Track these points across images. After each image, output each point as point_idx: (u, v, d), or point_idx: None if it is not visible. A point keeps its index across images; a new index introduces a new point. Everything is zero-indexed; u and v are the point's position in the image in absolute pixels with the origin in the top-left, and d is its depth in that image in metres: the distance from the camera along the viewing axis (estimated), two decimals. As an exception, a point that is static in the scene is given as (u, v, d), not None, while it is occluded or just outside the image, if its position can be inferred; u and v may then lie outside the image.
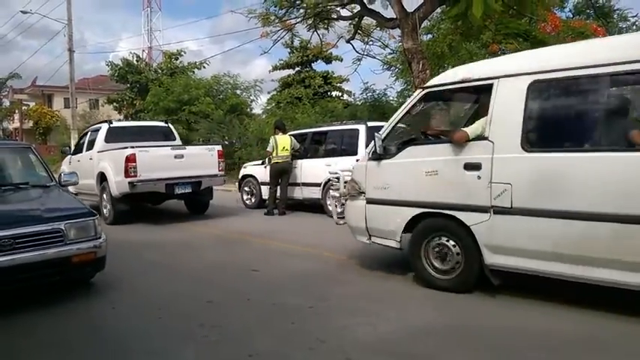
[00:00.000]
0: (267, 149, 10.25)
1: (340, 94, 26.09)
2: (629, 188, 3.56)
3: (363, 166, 5.26)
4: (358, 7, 13.62)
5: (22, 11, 25.12)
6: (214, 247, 7.13)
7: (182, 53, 26.99)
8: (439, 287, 4.69)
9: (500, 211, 4.20)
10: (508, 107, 4.24)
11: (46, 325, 4.19)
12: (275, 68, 26.24)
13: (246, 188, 11.67)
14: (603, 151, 3.83)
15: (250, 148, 17.77)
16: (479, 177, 4.31)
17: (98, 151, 9.88)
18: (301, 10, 14.50)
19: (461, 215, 4.45)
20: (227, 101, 22.48)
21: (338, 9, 14.65)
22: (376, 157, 5.07)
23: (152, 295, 4.98)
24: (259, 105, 26.29)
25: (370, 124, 9.68)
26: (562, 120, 4.31)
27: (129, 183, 8.68)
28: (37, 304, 4.66)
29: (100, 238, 4.89)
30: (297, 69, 25.74)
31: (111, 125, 10.40)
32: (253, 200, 11.41)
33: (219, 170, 9.78)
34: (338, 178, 5.63)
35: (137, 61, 27.25)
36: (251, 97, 24.65)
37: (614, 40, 4.29)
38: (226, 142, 19.35)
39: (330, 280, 5.33)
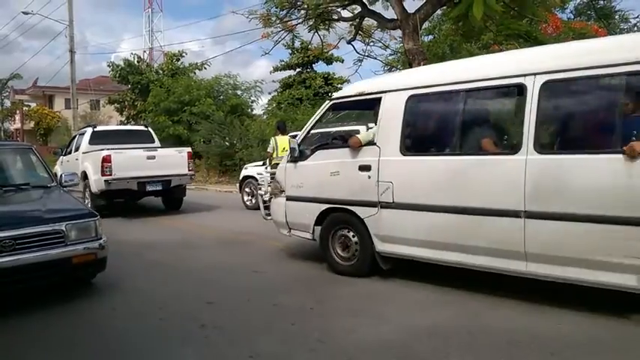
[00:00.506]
0: (268, 150, 10.26)
1: (341, 95, 26.05)
2: (481, 185, 4.35)
3: (284, 167, 5.97)
4: (359, 8, 13.60)
5: (23, 12, 25.20)
6: (215, 248, 7.13)
7: (183, 54, 27.01)
8: (342, 272, 5.41)
9: (385, 205, 4.95)
10: (391, 117, 4.99)
11: (47, 326, 4.19)
12: (276, 69, 26.23)
13: (247, 189, 11.67)
14: (462, 155, 4.57)
15: (251, 149, 17.76)
16: (369, 177, 5.04)
17: (82, 153, 10.85)
18: (302, 11, 14.48)
19: (357, 210, 5.19)
20: (228, 102, 22.49)
21: (339, 10, 14.63)
22: (293, 159, 5.79)
23: (153, 296, 4.98)
24: (260, 106, 26.35)
25: (371, 125, 9.67)
26: (430, 129, 5.16)
27: (105, 181, 9.64)
28: (38, 304, 4.66)
29: (100, 239, 4.89)
30: (297, 70, 25.72)
31: (95, 129, 11.56)
32: (254, 201, 11.41)
33: (189, 170, 10.71)
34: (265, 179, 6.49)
35: (138, 62, 27.26)
36: (252, 98, 24.66)
37: (468, 61, 5.30)
38: (227, 143, 19.34)
39: (331, 280, 5.33)
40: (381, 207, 4.97)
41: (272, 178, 6.55)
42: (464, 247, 4.48)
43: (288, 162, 5.90)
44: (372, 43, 17.32)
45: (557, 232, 3.93)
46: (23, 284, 4.56)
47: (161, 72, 26.15)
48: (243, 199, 11.77)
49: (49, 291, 4.96)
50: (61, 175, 6.02)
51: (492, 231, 4.27)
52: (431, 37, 16.38)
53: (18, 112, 42.32)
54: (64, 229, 4.61)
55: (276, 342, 3.74)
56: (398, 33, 13.67)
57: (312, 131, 6.03)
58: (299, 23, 15.32)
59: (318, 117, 5.86)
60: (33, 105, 41.71)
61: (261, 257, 6.42)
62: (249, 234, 8.05)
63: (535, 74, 4.08)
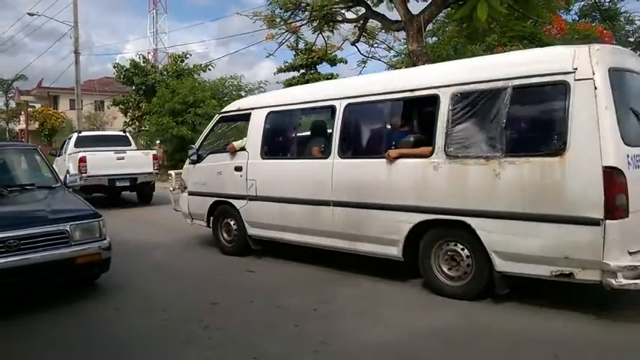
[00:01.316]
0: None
1: (345, 96, 26.06)
2: (309, 182, 5.61)
3: (186, 168, 7.31)
4: (363, 10, 13.60)
5: (28, 13, 25.36)
6: (217, 250, 7.12)
7: (187, 56, 27.06)
8: (227, 253, 6.69)
9: (251, 198, 6.23)
10: (256, 128, 6.29)
11: (51, 326, 4.20)
12: (280, 70, 26.29)
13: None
14: (299, 159, 5.93)
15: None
16: (241, 175, 6.31)
17: (68, 154, 12.70)
18: (306, 13, 14.49)
19: (234, 202, 6.45)
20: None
21: (343, 11, 14.63)
22: (192, 161, 7.07)
23: (156, 297, 4.99)
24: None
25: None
26: (280, 138, 6.47)
27: (80, 178, 10.73)
28: (42, 304, 4.68)
29: (105, 239, 4.90)
30: (301, 71, 25.77)
31: (79, 134, 13.67)
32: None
33: (154, 169, 12.49)
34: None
35: (144, 63, 27.33)
36: (256, 100, 24.65)
37: (303, 88, 7.12)
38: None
39: (334, 282, 5.33)
40: (249, 199, 6.26)
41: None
42: (301, 229, 5.75)
43: (189, 164, 7.19)
44: (376, 45, 17.29)
45: (350, 216, 5.24)
46: (28, 284, 4.58)
47: (165, 73, 26.20)
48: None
49: (53, 291, 4.97)
50: (65, 176, 6.04)
51: (316, 216, 5.55)
52: (435, 38, 16.34)
53: (23, 112, 42.46)
54: (68, 229, 4.62)
55: (280, 343, 3.74)
56: (402, 34, 13.66)
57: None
58: (303, 24, 15.32)
59: (210, 128, 7.25)
60: (37, 106, 41.81)
61: (265, 259, 6.41)
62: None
63: (341, 99, 5.47)
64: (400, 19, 11.97)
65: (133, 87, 26.56)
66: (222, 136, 7.67)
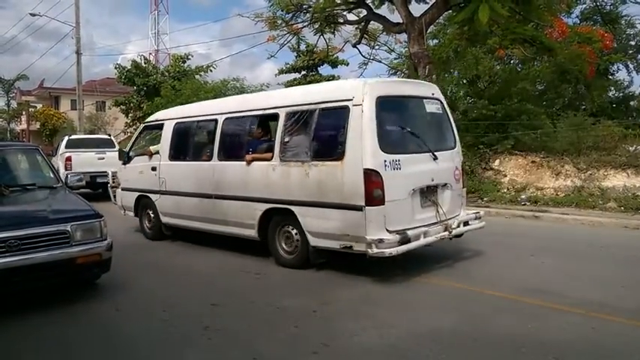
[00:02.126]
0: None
1: (346, 97, 26.03)
2: (199, 179, 6.99)
3: (119, 168, 8.74)
4: (365, 12, 13.65)
5: (30, 14, 25.35)
6: (219, 250, 7.13)
7: (189, 57, 27.06)
8: (148, 237, 8.08)
9: (162, 192, 7.61)
10: (166, 136, 7.68)
11: (51, 326, 4.20)
12: (281, 72, 26.27)
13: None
14: (194, 161, 7.27)
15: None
16: (156, 174, 7.69)
17: (60, 154, 14.46)
18: (308, 14, 14.52)
19: (151, 196, 7.83)
20: (233, 104, 22.50)
21: (345, 13, 14.66)
22: (124, 162, 8.53)
23: (157, 297, 4.99)
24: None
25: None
26: (182, 144, 7.60)
27: (79, 179, 12.01)
28: (43, 304, 4.68)
29: (105, 240, 4.91)
30: (303, 73, 25.74)
31: (69, 137, 15.52)
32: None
33: None
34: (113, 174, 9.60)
35: (145, 63, 27.33)
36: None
37: (201, 104, 8.63)
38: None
39: (334, 283, 5.33)
40: (161, 194, 7.63)
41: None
42: (192, 217, 7.18)
43: (122, 164, 8.59)
44: (377, 47, 17.36)
45: (224, 206, 6.62)
46: (28, 284, 4.58)
47: (167, 74, 26.21)
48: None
49: (53, 291, 4.98)
50: (66, 176, 6.05)
51: (203, 206, 6.93)
52: (436, 41, 16.34)
53: (24, 113, 42.49)
54: (69, 229, 4.63)
55: (280, 345, 3.74)
56: (403, 37, 13.71)
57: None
58: (305, 26, 15.37)
59: (136, 135, 8.90)
60: (39, 106, 41.83)
61: (265, 260, 6.41)
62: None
63: (221, 114, 6.88)
64: (401, 21, 12.01)
65: (135, 88, 26.56)
66: (148, 141, 9.32)
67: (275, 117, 6.11)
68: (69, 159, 13.80)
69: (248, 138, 6.64)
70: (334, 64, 25.11)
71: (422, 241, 5.34)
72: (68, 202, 5.46)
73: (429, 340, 3.75)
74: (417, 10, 12.10)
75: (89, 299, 4.93)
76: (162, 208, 7.63)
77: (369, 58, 17.25)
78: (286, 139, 5.87)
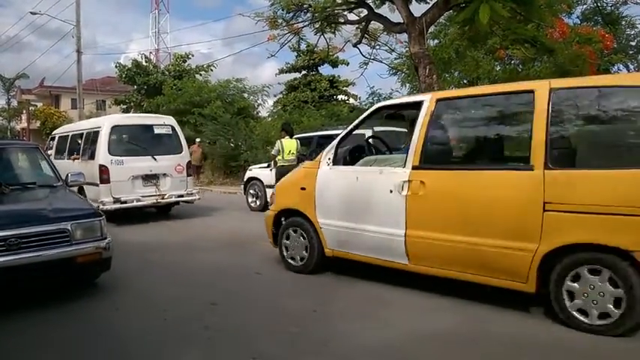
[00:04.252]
0: (272, 152, 10.24)
1: (346, 97, 26.07)
2: (90, 173, 9.04)
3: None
4: (365, 12, 13.61)
5: (31, 12, 25.32)
6: (219, 250, 7.14)
7: (190, 56, 27.07)
8: None
9: (95, 184, 9.40)
10: (61, 142, 11.60)
11: (51, 325, 4.20)
12: (282, 71, 26.27)
13: (252, 191, 11.70)
14: (81, 161, 10.27)
15: (256, 151, 17.77)
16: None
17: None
18: (308, 14, 14.50)
19: (85, 186, 9.18)
20: (235, 104, 22.52)
21: (345, 13, 14.64)
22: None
23: (157, 297, 4.99)
24: (266, 108, 26.33)
25: (377, 128, 9.66)
26: (64, 147, 11.14)
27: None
28: (42, 303, 4.68)
29: (105, 238, 4.91)
30: (303, 72, 25.74)
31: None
32: (258, 203, 11.43)
33: None
34: None
35: (146, 62, 27.34)
36: (258, 101, 24.68)
37: (79, 124, 12.45)
38: (232, 145, 19.34)
39: (335, 283, 5.33)
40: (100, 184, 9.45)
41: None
42: (95, 201, 8.82)
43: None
44: (378, 47, 17.31)
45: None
46: (28, 283, 4.59)
47: (167, 73, 26.22)
48: (247, 200, 11.80)
49: (53, 290, 4.98)
50: (67, 175, 6.05)
51: (95, 192, 9.32)
52: (437, 41, 16.34)
53: (24, 111, 42.50)
54: (69, 228, 4.63)
55: (280, 345, 3.74)
56: (404, 37, 13.67)
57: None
58: (305, 26, 15.33)
59: (56, 141, 12.16)
60: (39, 105, 41.85)
61: (265, 259, 6.41)
62: (254, 235, 8.03)
63: (109, 125, 9.68)
64: (402, 21, 11.98)
65: (135, 87, 26.58)
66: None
67: (91, 134, 10.12)
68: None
69: (87, 146, 10.10)
70: (335, 63, 25.12)
71: (135, 204, 9.46)
72: (68, 201, 5.46)
73: (429, 340, 3.75)
74: (417, 10, 12.07)
75: (89, 298, 4.93)
76: (94, 195, 9.50)
77: (370, 58, 17.17)
78: (85, 146, 10.19)
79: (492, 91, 4.76)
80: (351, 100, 25.64)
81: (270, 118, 23.58)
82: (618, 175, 3.64)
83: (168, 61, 31.24)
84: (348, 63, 25.30)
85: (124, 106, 27.68)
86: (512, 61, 16.35)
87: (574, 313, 3.83)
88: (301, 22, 15.04)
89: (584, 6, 18.99)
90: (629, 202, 3.53)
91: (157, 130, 10.02)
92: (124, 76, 26.14)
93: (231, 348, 3.70)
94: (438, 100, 4.70)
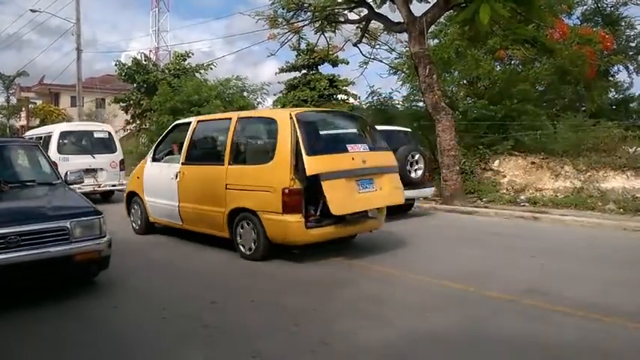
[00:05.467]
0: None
1: (346, 97, 26.06)
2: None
3: None
4: (366, 11, 13.61)
5: (31, 10, 25.22)
6: (219, 248, 7.12)
7: (190, 55, 27.00)
8: None
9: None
10: (51, 143, 11.95)
11: (48, 323, 4.19)
12: (281, 70, 26.24)
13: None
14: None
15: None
16: None
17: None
18: (309, 13, 14.50)
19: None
20: (234, 103, 22.48)
21: (345, 12, 14.64)
22: None
23: (156, 295, 4.98)
24: (265, 107, 26.30)
25: (376, 127, 9.65)
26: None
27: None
28: (40, 301, 4.67)
29: (104, 237, 4.90)
30: (303, 71, 25.72)
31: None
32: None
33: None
34: None
35: (146, 60, 27.28)
36: (258, 100, 24.64)
37: (56, 126, 13.84)
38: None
39: (335, 282, 5.33)
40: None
41: None
42: None
43: None
44: (378, 46, 17.31)
45: None
46: (27, 281, 4.57)
47: (167, 71, 26.16)
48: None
49: (51, 288, 4.97)
50: (66, 173, 6.03)
51: None
52: (437, 41, 16.32)
53: (24, 109, 42.44)
54: (68, 226, 4.62)
55: (279, 343, 3.73)
56: (404, 36, 13.67)
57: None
58: (305, 25, 15.33)
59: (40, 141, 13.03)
60: (39, 102, 41.78)
61: (269, 260, 6.40)
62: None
63: (58, 131, 12.25)
64: (402, 20, 11.98)
65: (135, 85, 26.51)
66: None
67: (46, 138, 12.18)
68: None
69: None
70: (335, 63, 25.09)
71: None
72: (67, 199, 5.44)
73: (429, 340, 3.75)
74: (418, 9, 12.08)
75: (88, 296, 4.92)
76: None
77: (370, 58, 17.19)
78: (42, 146, 9.64)
79: (215, 117, 8.44)
80: (351, 100, 25.62)
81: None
82: (253, 168, 6.32)
83: (168, 59, 31.19)
84: (348, 62, 25.29)
85: (124, 104, 27.57)
86: (512, 62, 16.34)
87: (240, 246, 6.39)
88: (301, 21, 15.04)
89: (585, 7, 18.99)
90: (256, 183, 6.14)
91: (96, 135, 12.92)
92: (123, 74, 26.06)
93: (230, 346, 3.70)
94: (199, 121, 7.53)
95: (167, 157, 7.98)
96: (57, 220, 4.63)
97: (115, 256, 5.19)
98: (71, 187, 5.85)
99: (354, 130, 6.95)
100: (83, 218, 4.80)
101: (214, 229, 6.71)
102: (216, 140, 7.32)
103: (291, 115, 6.01)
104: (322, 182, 5.75)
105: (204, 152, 7.41)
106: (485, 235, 7.73)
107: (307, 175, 5.72)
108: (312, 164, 5.71)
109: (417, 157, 9.54)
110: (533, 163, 11.92)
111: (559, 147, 11.87)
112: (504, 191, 11.63)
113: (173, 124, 8.26)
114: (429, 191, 10.13)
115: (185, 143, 7.31)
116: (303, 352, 3.56)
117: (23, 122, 43.62)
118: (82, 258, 4.70)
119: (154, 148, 8.28)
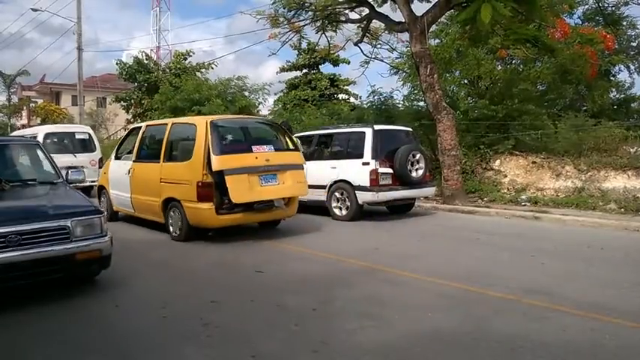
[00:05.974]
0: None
1: (347, 96, 26.07)
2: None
3: None
4: (367, 10, 13.61)
5: (32, 9, 25.20)
6: (219, 248, 7.14)
7: (191, 54, 27.00)
8: None
9: None
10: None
11: (50, 322, 4.20)
12: (282, 70, 26.28)
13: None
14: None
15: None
16: None
17: None
18: (310, 12, 14.50)
19: None
20: (236, 103, 22.46)
21: (347, 12, 14.64)
22: None
23: (156, 294, 4.99)
24: (266, 106, 26.31)
25: (377, 127, 9.67)
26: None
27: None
28: (41, 300, 4.68)
29: (105, 236, 4.90)
30: (304, 71, 25.74)
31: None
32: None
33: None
34: None
35: (147, 59, 27.27)
36: (259, 100, 24.63)
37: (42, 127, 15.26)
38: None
39: (335, 282, 5.33)
40: None
41: None
42: None
43: None
44: (379, 46, 17.29)
45: None
46: (28, 279, 4.57)
47: (168, 70, 26.15)
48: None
49: (53, 286, 4.97)
50: (67, 172, 6.04)
51: None
52: (438, 40, 16.30)
53: (25, 108, 42.47)
54: (69, 225, 4.62)
55: (279, 343, 3.74)
56: (405, 36, 13.67)
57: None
58: (306, 24, 15.33)
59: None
60: (40, 101, 41.79)
61: (265, 258, 6.42)
62: (253, 234, 8.05)
63: (43, 132, 13.58)
64: (403, 20, 11.97)
65: (136, 84, 26.51)
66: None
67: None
68: None
69: None
70: (336, 62, 25.11)
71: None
72: (69, 198, 5.45)
73: (429, 340, 3.75)
74: (419, 9, 12.07)
75: (88, 295, 4.93)
76: None
77: (371, 57, 17.17)
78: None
79: (158, 123, 9.71)
80: (352, 99, 25.64)
81: (270, 117, 23.55)
82: (178, 165, 7.57)
83: (169, 58, 31.19)
84: (349, 62, 25.34)
85: (125, 103, 27.57)
86: (514, 61, 16.32)
87: (170, 228, 7.67)
88: (302, 20, 15.04)
89: (586, 6, 18.97)
90: (179, 177, 7.42)
91: (77, 136, 14.22)
92: (124, 73, 26.06)
93: (230, 345, 3.70)
94: (147, 126, 9.03)
95: (125, 155, 9.29)
96: (58, 219, 4.63)
97: (116, 254, 5.19)
98: (71, 186, 5.86)
99: (263, 135, 8.31)
100: (84, 217, 4.81)
101: (155, 216, 8.07)
102: (157, 142, 8.46)
103: (207, 121, 7.33)
104: (225, 176, 6.98)
105: (149, 152, 8.64)
106: (485, 235, 7.73)
107: (213, 170, 6.98)
108: (218, 162, 6.97)
109: (418, 156, 9.54)
110: (534, 162, 11.92)
111: (560, 147, 11.87)
112: (505, 191, 11.63)
113: (131, 127, 10.01)
114: (429, 191, 10.14)
115: (136, 144, 8.74)
116: (303, 352, 3.56)
117: (24, 121, 43.65)
118: (83, 257, 4.70)
119: (116, 147, 9.78)
